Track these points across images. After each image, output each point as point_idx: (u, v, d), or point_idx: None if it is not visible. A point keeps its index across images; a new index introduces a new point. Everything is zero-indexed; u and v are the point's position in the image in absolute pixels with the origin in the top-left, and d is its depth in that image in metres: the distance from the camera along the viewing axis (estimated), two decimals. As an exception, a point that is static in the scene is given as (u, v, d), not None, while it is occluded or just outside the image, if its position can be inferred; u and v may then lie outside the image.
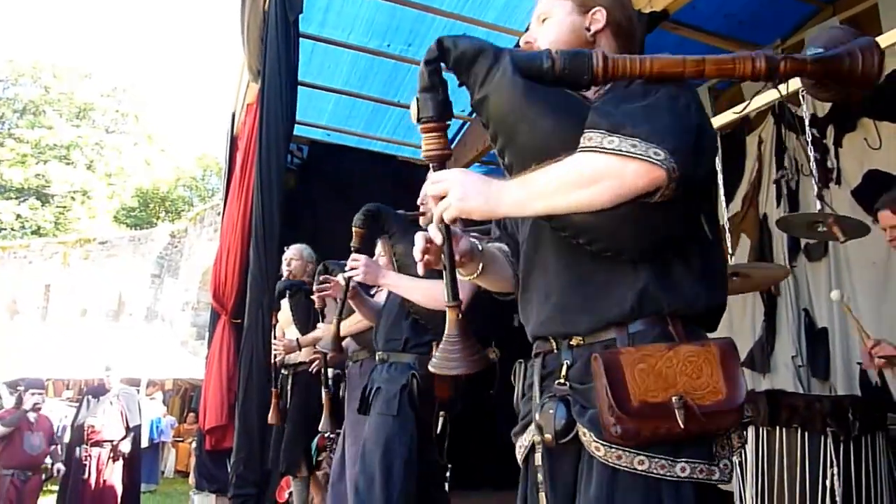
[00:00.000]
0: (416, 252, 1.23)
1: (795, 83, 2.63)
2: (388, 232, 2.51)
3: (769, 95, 2.99)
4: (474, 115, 5.31)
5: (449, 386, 2.28)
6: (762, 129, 4.17)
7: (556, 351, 1.19)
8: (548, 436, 1.12)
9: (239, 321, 4.78)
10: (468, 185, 1.09)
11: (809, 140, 2.85)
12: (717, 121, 2.80)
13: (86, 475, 6.31)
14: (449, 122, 1.14)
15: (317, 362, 3.33)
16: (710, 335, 1.18)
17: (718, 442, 1.08)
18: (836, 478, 1.98)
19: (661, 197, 1.00)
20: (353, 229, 2.41)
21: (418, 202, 2.41)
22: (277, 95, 3.01)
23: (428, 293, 2.14)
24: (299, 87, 3.30)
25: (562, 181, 1.03)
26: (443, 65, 1.14)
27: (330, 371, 3.41)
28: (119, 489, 6.50)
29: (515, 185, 1.09)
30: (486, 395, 2.28)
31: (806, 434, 2.07)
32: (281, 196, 2.80)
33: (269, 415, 3.15)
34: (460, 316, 1.12)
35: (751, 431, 2.28)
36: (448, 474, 5.08)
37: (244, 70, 4.57)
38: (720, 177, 4.42)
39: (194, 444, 7.98)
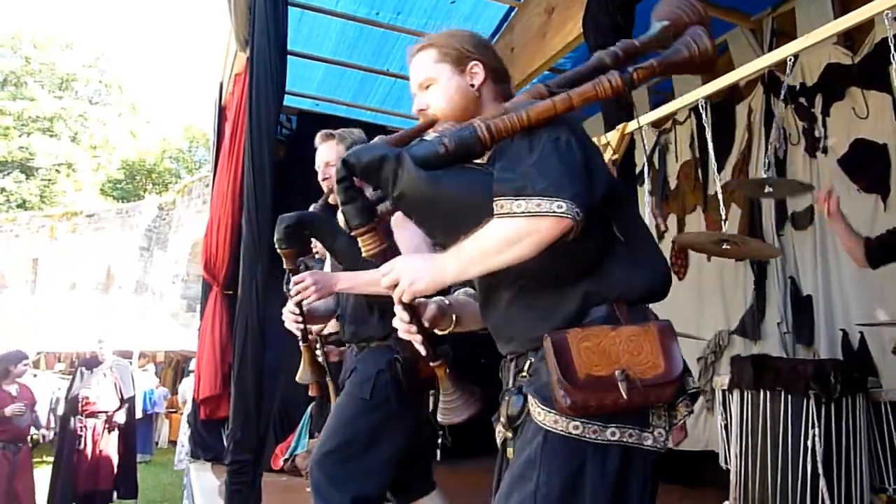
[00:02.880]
0: (401, 332, 1.39)
1: (782, 52, 2.67)
2: (317, 237, 2.33)
3: (759, 63, 3.03)
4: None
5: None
6: (752, 99, 4.19)
7: (525, 354, 1.32)
8: (503, 420, 1.29)
9: (231, 292, 4.83)
10: (413, 271, 1.25)
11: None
12: (707, 89, 2.80)
13: (81, 446, 6.36)
14: (377, 220, 1.31)
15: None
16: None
17: (655, 412, 1.19)
18: (817, 438, 2.05)
19: (573, 235, 1.15)
20: (280, 252, 2.14)
21: (321, 179, 2.39)
22: (266, 65, 2.99)
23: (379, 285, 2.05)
24: (288, 55, 3.28)
25: (489, 247, 1.18)
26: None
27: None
28: (115, 459, 6.56)
29: (452, 257, 1.24)
30: (478, 364, 2.25)
31: (789, 396, 2.14)
32: (272, 167, 2.80)
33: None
34: (447, 371, 1.33)
35: (736, 395, 2.34)
36: (440, 441, 5.21)
37: (231, 39, 4.52)
38: (710, 146, 4.48)
39: (186, 415, 8.06)
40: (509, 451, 1.31)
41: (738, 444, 2.29)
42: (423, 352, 1.35)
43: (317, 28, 4.84)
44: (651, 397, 1.16)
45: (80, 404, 6.44)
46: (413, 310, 1.33)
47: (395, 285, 1.26)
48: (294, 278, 2.14)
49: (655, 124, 4.57)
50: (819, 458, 2.04)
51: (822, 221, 3.73)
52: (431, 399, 2.09)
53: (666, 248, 4.71)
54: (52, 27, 27.75)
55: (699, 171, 4.58)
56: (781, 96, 3.55)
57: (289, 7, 3.49)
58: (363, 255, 1.32)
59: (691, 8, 1.34)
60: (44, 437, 10.89)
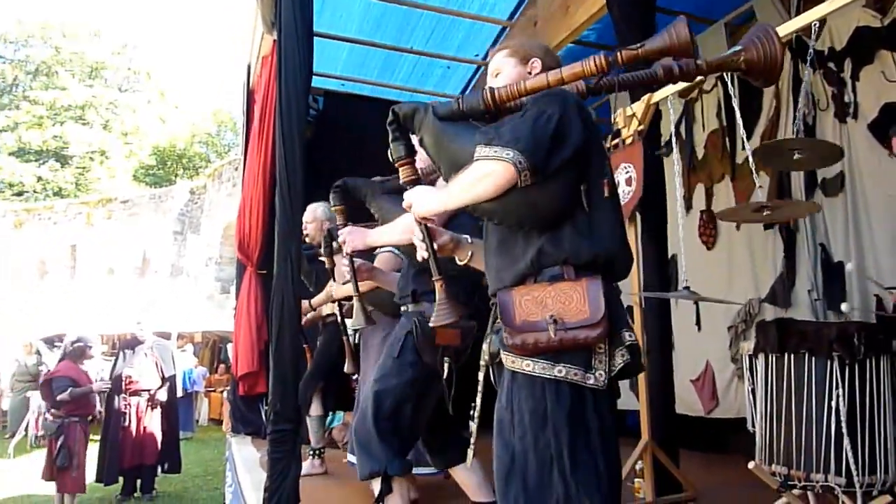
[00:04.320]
0: (418, 248, 1.75)
1: (810, 16, 2.65)
2: (363, 198, 2.64)
3: (785, 28, 3.00)
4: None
5: (454, 333, 2.35)
6: (779, 65, 4.13)
7: (496, 300, 1.59)
8: (486, 357, 1.61)
9: (265, 272, 4.95)
10: (420, 198, 1.63)
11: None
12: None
13: (126, 423, 6.62)
14: (415, 157, 1.70)
15: (330, 314, 3.62)
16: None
17: (597, 357, 1.43)
18: (841, 399, 2.08)
19: (523, 182, 1.41)
20: (333, 209, 2.62)
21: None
22: (294, 47, 3.03)
23: (398, 230, 2.31)
24: (314, 36, 3.32)
25: (464, 183, 1.49)
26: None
27: (348, 322, 3.56)
28: (159, 435, 6.82)
29: (444, 190, 1.59)
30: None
31: (813, 359, 2.16)
32: (303, 148, 2.85)
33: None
34: (443, 286, 1.69)
35: (761, 358, 2.37)
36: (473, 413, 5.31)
37: (258, 22, 4.59)
38: (738, 114, 4.44)
39: (226, 393, 8.31)
40: (489, 373, 1.63)
41: (763, 406, 2.33)
42: (430, 264, 1.70)
43: (341, 8, 4.89)
44: (579, 338, 1.41)
45: (123, 383, 6.69)
46: (428, 231, 1.70)
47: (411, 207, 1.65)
48: (339, 232, 2.52)
49: (682, 94, 4.54)
50: (843, 419, 2.07)
51: (854, 187, 3.70)
52: (447, 365, 2.20)
53: (693, 218, 4.71)
54: (79, 16, 28.11)
55: (727, 139, 4.54)
56: (809, 62, 3.52)
57: (313, -11, 3.54)
58: (401, 182, 1.70)
59: (768, 40, 1.55)
60: (100, 413, 11.31)
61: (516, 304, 1.46)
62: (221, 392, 11.72)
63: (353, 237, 2.47)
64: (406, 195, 1.66)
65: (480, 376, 1.68)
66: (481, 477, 2.51)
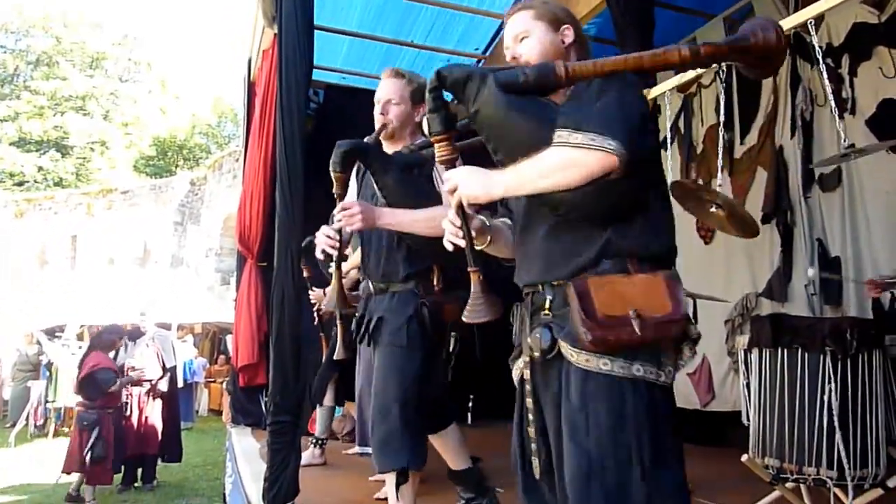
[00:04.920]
0: (451, 236, 1.52)
1: (808, 13, 2.66)
2: (370, 169, 2.37)
3: (786, 23, 3.00)
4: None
5: (458, 307, 2.33)
6: (778, 60, 4.14)
7: (540, 291, 1.49)
8: (536, 353, 1.44)
9: (265, 264, 4.97)
10: (471, 179, 1.41)
11: (824, 70, 2.84)
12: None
13: (128, 412, 6.67)
14: (455, 131, 1.46)
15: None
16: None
17: (665, 354, 1.37)
18: (833, 394, 2.11)
19: (615, 175, 1.29)
20: (332, 175, 2.23)
21: (377, 114, 2.47)
22: (294, 41, 3.04)
23: (431, 223, 2.06)
24: (314, 29, 3.34)
25: (542, 169, 1.33)
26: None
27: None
28: (159, 425, 6.87)
29: (508, 174, 1.39)
30: (507, 332, 2.33)
31: (806, 354, 2.19)
32: (303, 142, 2.88)
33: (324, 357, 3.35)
34: (481, 277, 1.47)
35: (755, 353, 2.40)
36: (470, 404, 5.35)
37: (258, 15, 4.59)
38: (736, 110, 4.44)
39: (226, 384, 8.36)
40: (527, 372, 1.50)
41: (757, 400, 2.36)
42: (466, 253, 1.48)
43: (341, 2, 4.89)
44: (660, 333, 1.34)
45: (125, 373, 6.74)
46: (465, 217, 1.47)
47: (455, 190, 1.42)
48: (342, 204, 2.20)
49: (681, 88, 4.55)
50: (835, 413, 2.10)
51: (851, 183, 3.72)
52: (453, 339, 2.20)
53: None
54: (80, 6, 28.03)
55: (721, 135, 4.55)
56: (809, 57, 3.52)
57: (314, -18, 3.54)
58: (437, 160, 1.48)
59: (775, 28, 1.39)
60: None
61: (595, 297, 1.35)
62: (221, 383, 11.77)
63: (365, 215, 2.18)
64: (449, 174, 1.44)
65: (516, 375, 1.58)
66: (460, 442, 2.53)
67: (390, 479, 2.35)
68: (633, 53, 1.39)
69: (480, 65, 5.59)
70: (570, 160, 1.30)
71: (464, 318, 1.48)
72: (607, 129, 1.28)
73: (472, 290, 1.47)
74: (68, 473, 6.21)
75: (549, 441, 1.48)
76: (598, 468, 1.33)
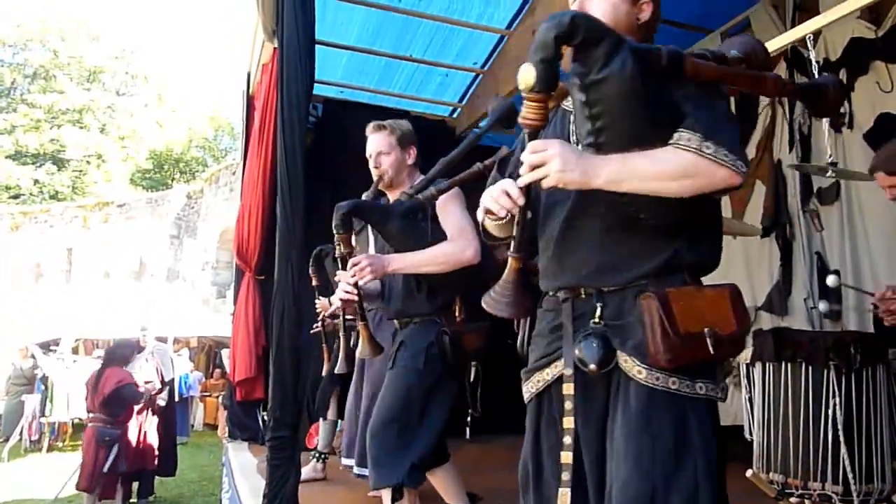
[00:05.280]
0: (497, 205, 1.31)
1: (810, 26, 2.68)
2: (371, 221, 2.50)
3: (781, 40, 3.04)
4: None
5: (479, 337, 2.38)
6: (775, 75, 4.18)
7: (585, 297, 1.38)
8: (592, 366, 1.30)
9: (262, 277, 4.96)
10: (569, 158, 1.21)
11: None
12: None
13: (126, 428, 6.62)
14: (552, 95, 1.20)
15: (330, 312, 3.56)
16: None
17: (720, 369, 1.33)
18: (837, 408, 2.11)
19: (730, 192, 1.26)
20: (337, 237, 2.31)
21: (372, 166, 2.56)
22: (296, 56, 3.05)
23: (444, 258, 2.23)
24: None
25: (662, 170, 1.22)
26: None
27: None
28: (156, 440, 6.81)
29: (616, 162, 1.23)
30: (508, 344, 2.33)
31: (810, 368, 2.19)
32: (304, 157, 2.87)
33: (324, 368, 3.36)
34: (520, 266, 1.27)
35: (758, 367, 2.40)
36: (469, 419, 5.31)
37: (258, 29, 4.61)
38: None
39: (222, 398, 8.32)
40: (566, 386, 1.35)
41: (760, 415, 2.35)
42: (515, 235, 1.28)
43: (340, 16, 4.91)
44: (728, 351, 1.31)
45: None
46: (528, 196, 1.27)
47: (539, 166, 1.21)
48: (352, 260, 2.30)
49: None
50: (840, 428, 2.10)
51: (849, 196, 3.73)
52: (473, 370, 2.21)
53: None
54: (78, 20, 28.09)
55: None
56: (807, 71, 3.54)
57: (313, -3, 3.56)
58: (519, 120, 1.21)
59: (763, 51, 1.44)
60: (83, 419, 11.27)
61: (677, 312, 1.25)
62: (217, 397, 11.72)
63: (374, 267, 2.29)
64: (546, 146, 1.22)
65: (534, 389, 1.45)
66: (458, 480, 2.53)
67: (386, 495, 2.36)
68: (734, 68, 1.34)
69: (479, 80, 5.62)
70: (696, 169, 1.21)
71: (483, 305, 1.31)
72: (735, 148, 1.23)
73: (503, 277, 1.28)
74: (88, 492, 6.09)
75: (584, 465, 1.37)
76: (663, 493, 1.24)
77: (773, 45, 3.05)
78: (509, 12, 4.92)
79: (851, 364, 2.12)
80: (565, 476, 1.35)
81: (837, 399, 2.11)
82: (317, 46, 3.41)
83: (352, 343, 3.46)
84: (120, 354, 6.50)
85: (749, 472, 2.38)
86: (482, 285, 1.43)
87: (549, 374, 1.42)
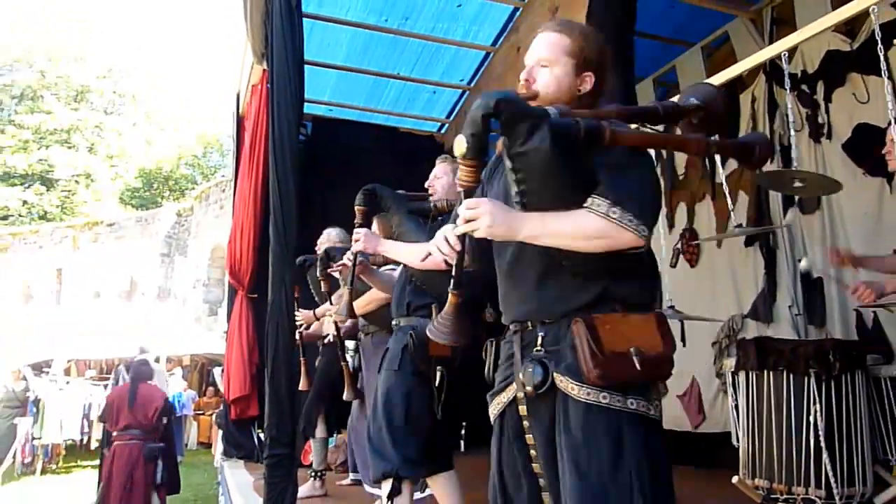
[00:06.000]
0: (440, 251, 1.55)
1: (788, 42, 2.77)
2: (385, 207, 2.70)
3: (758, 57, 3.13)
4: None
5: (445, 347, 2.45)
6: (755, 88, 4.28)
7: (531, 328, 1.54)
8: (529, 388, 1.47)
9: (255, 296, 5.00)
10: (496, 215, 1.42)
11: (790, 100, 2.96)
12: (712, 81, 2.91)
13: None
14: (483, 160, 1.43)
15: (329, 336, 3.64)
16: None
17: (653, 388, 1.45)
18: (818, 414, 2.17)
19: (634, 252, 1.40)
20: (356, 208, 2.61)
21: (427, 184, 2.69)
22: (286, 77, 3.12)
23: (412, 255, 2.37)
24: (303, 65, 3.41)
25: (575, 230, 1.40)
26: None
27: (349, 343, 3.66)
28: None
29: (536, 220, 1.43)
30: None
31: (791, 376, 2.25)
32: (296, 175, 2.94)
33: (301, 382, 3.43)
34: (459, 301, 1.49)
35: (742, 375, 2.46)
36: (463, 432, 5.35)
37: (247, 52, 4.67)
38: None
39: (216, 416, 8.31)
40: (520, 407, 1.53)
41: (745, 422, 2.41)
42: (452, 276, 1.49)
43: (328, 37, 5.00)
44: (655, 369, 1.42)
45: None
46: (464, 243, 1.50)
47: (472, 220, 1.42)
48: (355, 231, 2.56)
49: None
50: (821, 433, 2.16)
51: (830, 205, 3.82)
52: (439, 374, 2.30)
53: (676, 237, 4.83)
54: (64, 40, 28.09)
55: (706, 160, 4.66)
56: (785, 85, 3.64)
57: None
58: (458, 184, 1.44)
59: (721, 99, 1.55)
60: (76, 441, 11.22)
61: (602, 334, 1.41)
62: (210, 415, 11.66)
63: (367, 240, 2.54)
64: (477, 203, 1.43)
65: (496, 410, 1.62)
66: (458, 489, 2.58)
67: (385, 488, 2.43)
68: (664, 134, 1.53)
69: (465, 96, 5.71)
70: (603, 232, 1.38)
71: (427, 333, 1.53)
72: (641, 213, 1.38)
73: (444, 309, 1.50)
74: None
75: (548, 478, 1.51)
76: (602, 500, 1.37)
77: (751, 61, 3.15)
78: (494, 30, 5.01)
79: (831, 371, 2.18)
80: (542, 482, 1.52)
81: (818, 405, 2.17)
82: (306, 66, 3.48)
83: (352, 368, 3.57)
84: (145, 371, 6.58)
85: (735, 479, 2.44)
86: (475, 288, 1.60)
87: (505, 398, 1.59)
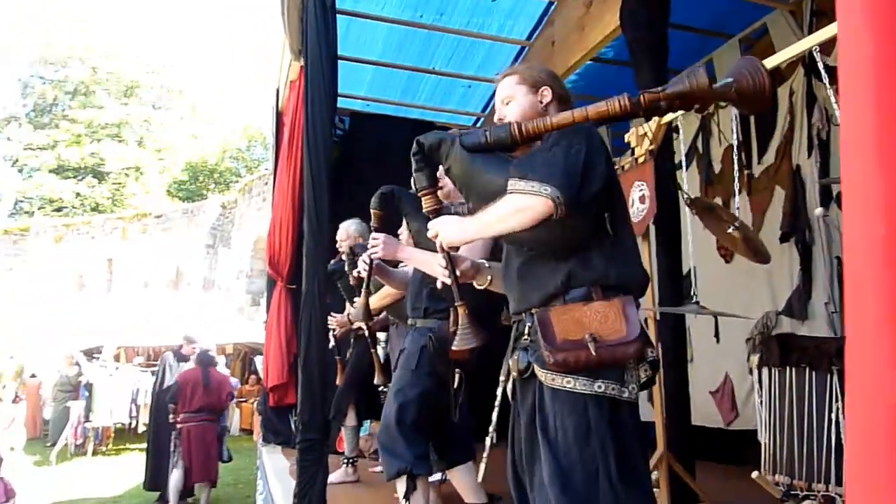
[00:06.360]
0: (440, 272, 1.82)
1: (826, 33, 2.74)
2: (403, 212, 2.69)
3: (799, 46, 3.08)
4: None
5: (464, 350, 2.49)
6: (793, 81, 4.20)
7: (522, 319, 1.68)
8: (514, 373, 1.66)
9: (294, 286, 5.13)
10: (446, 227, 1.68)
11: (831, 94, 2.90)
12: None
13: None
14: (440, 186, 1.77)
15: (360, 328, 3.75)
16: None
17: (628, 372, 1.53)
18: (840, 412, 2.16)
19: (558, 215, 1.46)
20: (371, 211, 2.55)
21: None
22: (319, 74, 3.20)
23: (431, 265, 2.34)
24: (339, 61, 3.50)
25: (499, 215, 1.54)
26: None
27: (380, 335, 3.76)
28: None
29: (474, 220, 1.63)
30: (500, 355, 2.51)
31: (814, 373, 2.25)
32: (329, 171, 3.01)
33: (337, 379, 3.55)
34: (467, 310, 1.73)
35: (765, 372, 2.46)
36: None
37: (286, 49, 4.79)
38: (752, 130, 4.48)
39: (256, 403, 8.56)
40: (510, 388, 1.71)
41: (767, 418, 2.41)
42: (454, 293, 1.76)
43: (364, 33, 5.07)
44: (617, 354, 1.49)
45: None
46: (450, 259, 1.77)
47: (437, 237, 1.70)
48: (373, 235, 2.54)
49: (698, 109, 4.61)
50: (843, 431, 2.15)
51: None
52: (457, 377, 2.34)
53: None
54: (114, 37, 28.93)
55: (742, 154, 4.61)
56: (822, 78, 3.57)
57: (337, 15, 3.71)
58: (423, 210, 1.74)
59: (757, 72, 1.49)
60: (125, 425, 11.64)
61: (555, 324, 1.52)
62: (252, 403, 11.96)
63: (385, 246, 2.51)
64: (432, 224, 1.70)
65: (499, 391, 1.76)
66: (476, 480, 2.64)
67: (400, 487, 2.50)
68: (578, 109, 1.57)
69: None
70: (519, 206, 1.49)
71: (454, 347, 1.74)
72: (547, 177, 1.47)
73: (459, 321, 1.72)
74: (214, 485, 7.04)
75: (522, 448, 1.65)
76: (569, 478, 1.47)
77: (786, 54, 3.10)
78: (529, 24, 5.02)
79: (853, 368, 2.17)
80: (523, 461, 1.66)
81: (840, 403, 2.16)
82: (343, 62, 3.56)
83: (382, 357, 3.67)
84: (210, 358, 7.27)
85: (754, 474, 2.44)
86: (483, 295, 1.78)
87: (508, 383, 1.74)
